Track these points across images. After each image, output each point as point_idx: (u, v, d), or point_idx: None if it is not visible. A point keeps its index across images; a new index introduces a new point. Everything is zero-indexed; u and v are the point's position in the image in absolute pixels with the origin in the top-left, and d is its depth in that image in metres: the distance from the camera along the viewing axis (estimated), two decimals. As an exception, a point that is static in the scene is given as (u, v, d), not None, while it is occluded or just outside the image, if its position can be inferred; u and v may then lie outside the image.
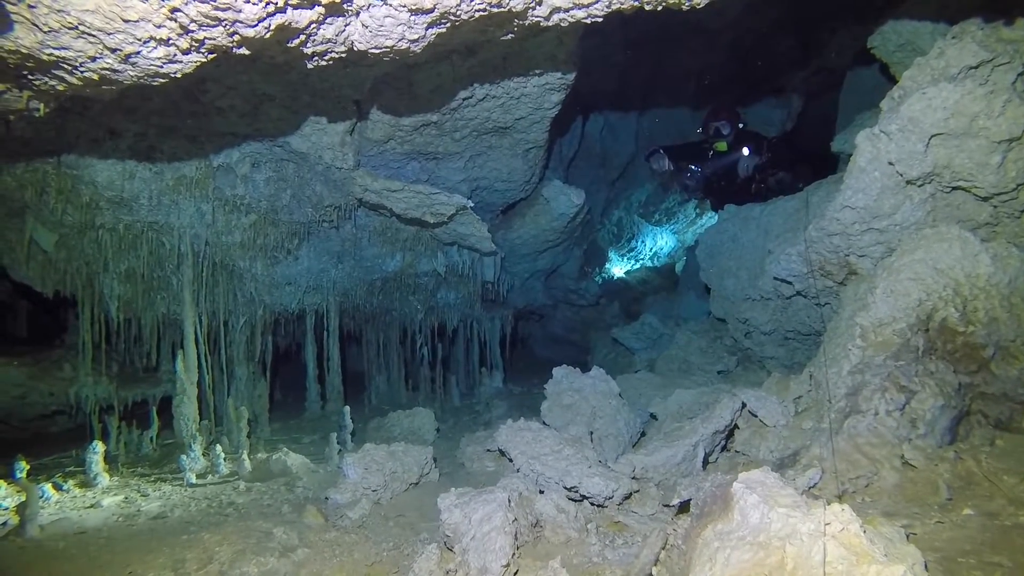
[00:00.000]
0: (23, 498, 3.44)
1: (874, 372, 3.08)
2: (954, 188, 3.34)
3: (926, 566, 1.81)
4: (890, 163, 3.38)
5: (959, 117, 3.10)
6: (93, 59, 2.48)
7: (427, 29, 2.79)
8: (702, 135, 6.00)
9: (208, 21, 2.36)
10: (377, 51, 2.85)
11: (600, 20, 2.99)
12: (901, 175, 3.37)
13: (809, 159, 6.02)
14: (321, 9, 2.53)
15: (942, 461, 2.67)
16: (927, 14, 3.98)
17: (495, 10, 2.76)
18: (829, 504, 1.84)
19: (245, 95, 4.01)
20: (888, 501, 2.61)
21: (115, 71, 2.58)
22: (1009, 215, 3.31)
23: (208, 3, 2.27)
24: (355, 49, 2.85)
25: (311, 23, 2.59)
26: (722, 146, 5.90)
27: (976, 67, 3.15)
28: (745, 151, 5.78)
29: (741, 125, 5.94)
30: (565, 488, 3.16)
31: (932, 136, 3.20)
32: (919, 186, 3.41)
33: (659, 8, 2.90)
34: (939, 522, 2.32)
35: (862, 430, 2.89)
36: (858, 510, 2.12)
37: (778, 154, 5.82)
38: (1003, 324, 3.03)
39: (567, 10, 2.88)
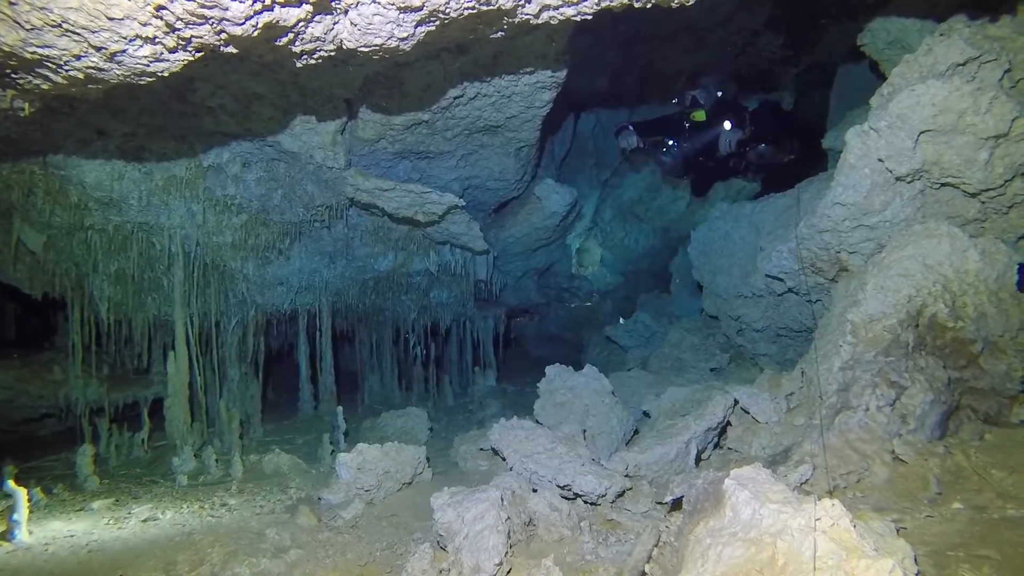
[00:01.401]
0: (11, 502, 3.41)
1: (865, 368, 3.09)
2: (943, 184, 3.36)
3: (916, 560, 1.82)
4: (880, 160, 3.40)
5: (947, 114, 3.12)
6: (78, 57, 2.45)
7: (416, 27, 2.78)
8: (677, 105, 5.42)
9: (194, 19, 2.34)
10: (366, 49, 2.84)
11: (590, 18, 2.98)
12: (891, 172, 3.39)
13: (793, 130, 5.58)
14: (309, 7, 2.51)
15: (932, 456, 2.69)
16: (915, 11, 4.00)
17: (484, 8, 2.75)
18: (820, 500, 1.85)
19: (235, 94, 3.98)
20: (879, 496, 2.62)
21: (101, 70, 2.55)
22: (997, 211, 3.34)
23: (194, 1, 2.25)
24: (344, 47, 2.83)
25: (299, 21, 2.57)
26: (700, 115, 5.28)
27: (963, 64, 3.17)
28: (727, 125, 5.17)
29: (720, 93, 5.35)
30: (558, 486, 3.16)
31: (921, 133, 3.22)
32: (908, 182, 3.42)
33: (648, 5, 2.90)
34: (929, 516, 2.33)
35: (853, 426, 2.90)
36: (849, 505, 2.12)
37: (761, 126, 5.28)
38: (991, 319, 3.05)
39: (556, 8, 2.88)
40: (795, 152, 5.42)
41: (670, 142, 5.40)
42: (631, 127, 5.40)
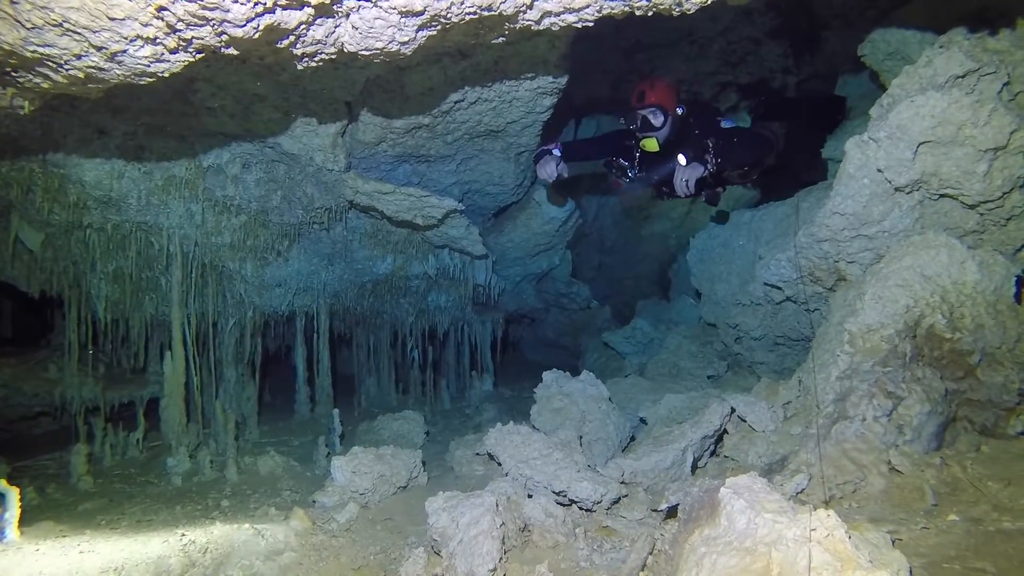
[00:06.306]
0: (2, 501, 3.39)
1: (862, 378, 3.09)
2: (942, 195, 3.36)
3: (911, 572, 1.81)
4: (879, 170, 3.40)
5: (946, 125, 3.13)
6: (78, 57, 2.45)
7: (417, 32, 2.78)
8: (626, 124, 4.13)
9: (195, 20, 2.34)
10: (367, 53, 2.84)
11: (591, 25, 2.99)
12: (890, 182, 3.40)
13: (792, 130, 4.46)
14: (311, 10, 2.52)
15: (928, 467, 2.69)
16: (916, 23, 4.02)
17: (486, 13, 2.76)
18: (815, 510, 1.84)
19: (235, 95, 3.98)
20: (875, 507, 2.62)
21: (101, 69, 2.55)
22: (995, 223, 3.34)
23: (195, 2, 2.25)
24: (345, 51, 2.84)
25: (300, 24, 2.58)
26: (651, 144, 4.01)
27: (963, 76, 3.18)
28: (681, 159, 3.81)
29: (680, 110, 3.99)
30: (554, 492, 3.15)
31: (920, 144, 3.23)
32: (907, 193, 3.43)
33: (649, 13, 2.91)
34: (925, 528, 2.33)
35: (849, 436, 2.90)
36: (845, 516, 2.12)
37: (731, 154, 4.02)
38: (989, 331, 3.05)
39: (558, 14, 2.89)
40: (778, 156, 4.57)
41: (624, 163, 4.21)
42: (556, 151, 4.11)
